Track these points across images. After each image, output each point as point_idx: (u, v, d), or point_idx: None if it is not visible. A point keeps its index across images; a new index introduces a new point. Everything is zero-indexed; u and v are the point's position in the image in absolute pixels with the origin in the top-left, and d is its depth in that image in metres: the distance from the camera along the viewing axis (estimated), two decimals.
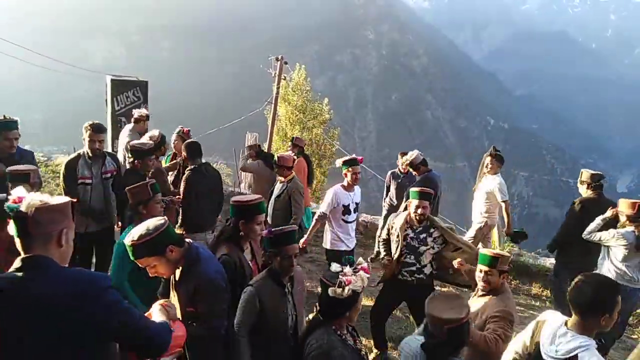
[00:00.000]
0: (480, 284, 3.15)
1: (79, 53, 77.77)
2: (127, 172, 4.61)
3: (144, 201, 3.37)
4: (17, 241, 1.65)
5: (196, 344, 2.47)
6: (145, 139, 5.05)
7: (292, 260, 2.76)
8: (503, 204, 5.79)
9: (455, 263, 3.75)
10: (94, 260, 4.63)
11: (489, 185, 5.91)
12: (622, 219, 4.67)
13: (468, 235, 6.12)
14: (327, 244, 5.02)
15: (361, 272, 2.37)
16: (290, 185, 5.19)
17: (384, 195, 7.17)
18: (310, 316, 2.52)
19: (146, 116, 6.39)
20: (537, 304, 6.20)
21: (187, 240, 2.53)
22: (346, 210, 4.88)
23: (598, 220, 4.76)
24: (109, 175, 4.47)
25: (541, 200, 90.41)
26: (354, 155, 5.06)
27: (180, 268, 2.47)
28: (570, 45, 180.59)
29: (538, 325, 2.44)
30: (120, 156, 5.90)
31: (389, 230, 4.39)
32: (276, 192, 5.32)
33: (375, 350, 4.40)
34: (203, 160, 5.04)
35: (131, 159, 4.51)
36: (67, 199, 1.75)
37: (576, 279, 2.24)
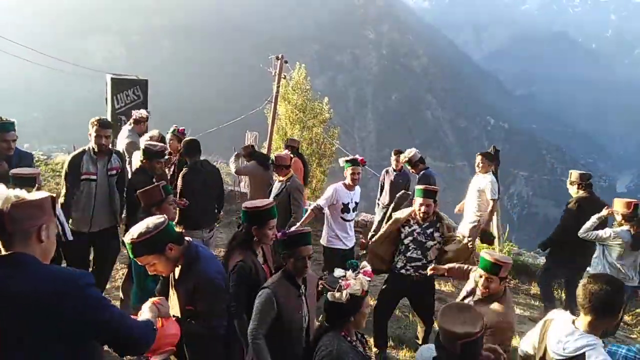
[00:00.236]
0: (479, 290, 3.06)
1: (79, 53, 77.64)
2: (136, 171, 4.57)
3: (157, 203, 3.38)
4: None
5: (195, 342, 2.47)
6: (144, 140, 5.05)
7: (306, 262, 2.75)
8: (491, 202, 5.93)
9: (429, 271, 3.89)
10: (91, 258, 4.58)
11: (480, 184, 6.04)
12: (618, 218, 4.79)
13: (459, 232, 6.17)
14: (323, 240, 5.05)
15: (361, 276, 2.33)
16: (289, 184, 5.19)
17: (378, 195, 7.23)
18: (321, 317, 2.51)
19: (146, 117, 6.40)
20: (537, 303, 6.20)
21: (186, 238, 2.52)
22: (345, 208, 4.89)
23: (594, 219, 4.86)
24: (114, 172, 4.41)
25: (541, 200, 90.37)
26: (357, 156, 5.06)
27: (180, 266, 2.46)
28: (570, 46, 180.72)
29: (546, 324, 2.43)
30: None
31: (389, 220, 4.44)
32: (275, 191, 5.32)
33: (375, 349, 4.40)
34: (202, 158, 5.04)
35: (142, 159, 4.47)
36: (46, 194, 1.72)
37: (585, 280, 2.23)
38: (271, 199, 5.31)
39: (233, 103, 65.47)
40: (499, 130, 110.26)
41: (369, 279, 2.36)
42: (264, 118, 15.58)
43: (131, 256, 2.36)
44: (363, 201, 8.84)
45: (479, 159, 6.12)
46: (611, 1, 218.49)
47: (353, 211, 5.01)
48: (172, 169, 5.77)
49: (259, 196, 6.25)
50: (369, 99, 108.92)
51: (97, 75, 12.72)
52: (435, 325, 4.11)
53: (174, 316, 2.47)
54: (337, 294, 2.27)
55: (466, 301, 3.19)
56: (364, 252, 7.10)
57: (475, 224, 6.10)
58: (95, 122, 4.22)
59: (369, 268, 2.41)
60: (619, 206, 4.78)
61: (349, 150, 18.86)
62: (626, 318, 5.86)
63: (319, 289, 2.90)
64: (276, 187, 5.35)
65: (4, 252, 1.62)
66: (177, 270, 2.47)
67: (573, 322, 2.27)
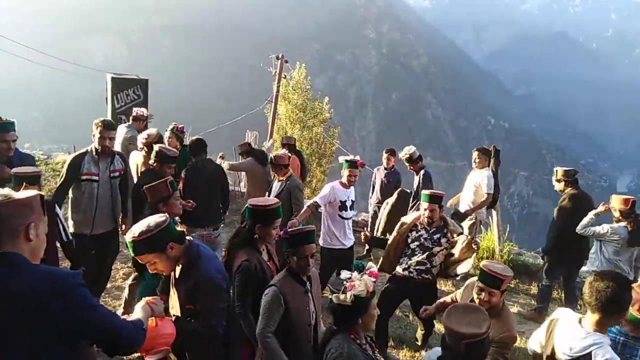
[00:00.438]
0: (477, 302, 2.90)
1: (79, 52, 77.58)
2: (145, 172, 4.53)
3: (164, 198, 3.38)
4: None
5: (195, 342, 2.47)
6: (141, 138, 5.04)
7: (309, 260, 2.75)
8: (485, 196, 6.02)
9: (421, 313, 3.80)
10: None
11: (477, 179, 6.12)
12: (616, 214, 4.86)
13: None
14: (321, 240, 5.01)
15: (365, 277, 2.31)
16: (289, 183, 5.19)
17: (370, 193, 7.27)
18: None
19: (145, 116, 6.39)
20: (536, 303, 6.19)
21: (188, 237, 2.52)
22: (343, 206, 4.92)
23: (591, 215, 4.95)
24: (117, 174, 4.38)
25: (541, 200, 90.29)
26: (357, 158, 5.08)
27: (181, 265, 2.46)
28: (570, 45, 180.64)
29: (552, 323, 2.41)
30: None
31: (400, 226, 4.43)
32: (275, 190, 5.30)
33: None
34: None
35: (153, 161, 4.41)
36: (34, 192, 1.72)
37: (592, 278, 2.20)
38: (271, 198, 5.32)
39: (233, 103, 65.43)
40: (499, 130, 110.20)
41: (374, 279, 2.33)
42: (264, 118, 15.57)
43: (132, 254, 2.36)
44: (363, 201, 8.86)
45: (475, 154, 6.24)
46: (611, 1, 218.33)
47: (351, 209, 5.04)
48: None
49: (257, 193, 6.25)
50: (369, 98, 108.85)
51: (98, 75, 12.71)
52: (436, 327, 4.12)
53: (174, 315, 2.48)
54: (342, 296, 2.25)
55: None
56: (367, 248, 7.18)
57: (473, 220, 6.15)
58: (100, 123, 4.19)
59: (375, 269, 2.39)
60: (616, 202, 4.86)
61: (349, 149, 18.87)
62: None
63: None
64: (276, 186, 5.34)
65: None
66: (178, 269, 2.47)
67: (579, 321, 2.25)
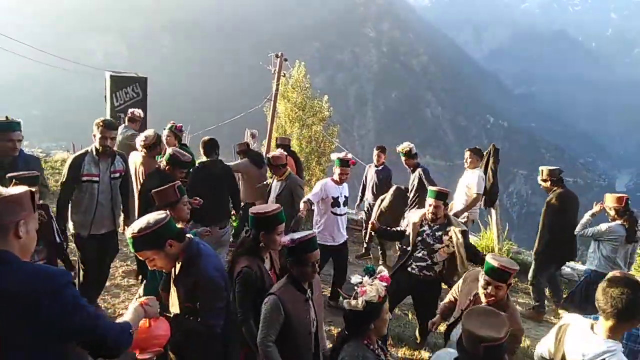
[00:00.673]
0: (484, 299, 2.87)
1: (79, 51, 77.47)
2: (153, 174, 4.47)
3: (172, 203, 3.37)
4: None
5: (194, 340, 2.48)
6: (140, 138, 5.03)
7: (316, 267, 2.72)
8: (475, 195, 6.04)
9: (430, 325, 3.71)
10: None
11: (468, 179, 6.17)
12: (611, 213, 4.91)
13: None
14: None
15: (377, 282, 2.27)
16: (289, 182, 5.19)
17: (359, 192, 7.31)
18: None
19: (141, 117, 6.46)
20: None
21: (188, 235, 2.52)
22: (335, 202, 4.95)
23: (587, 216, 5.04)
24: (117, 175, 4.34)
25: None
26: (349, 156, 5.10)
27: (180, 263, 2.46)
28: (570, 45, 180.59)
29: (562, 329, 2.34)
30: None
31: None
32: (276, 190, 5.28)
33: None
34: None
35: (166, 165, 4.38)
36: (24, 189, 1.71)
37: (605, 284, 2.12)
38: (272, 198, 5.30)
39: (232, 101, 65.33)
40: (499, 129, 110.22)
41: (385, 284, 2.30)
42: (263, 116, 15.56)
43: (132, 250, 2.37)
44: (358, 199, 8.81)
45: (467, 154, 6.29)
46: (611, 0, 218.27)
47: (344, 205, 5.07)
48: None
49: (252, 194, 6.24)
50: (369, 97, 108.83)
51: (97, 74, 12.67)
52: (438, 309, 4.11)
53: (173, 314, 2.48)
54: (353, 302, 2.22)
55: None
56: (365, 246, 7.17)
57: (465, 219, 6.17)
58: (101, 123, 4.14)
59: (385, 273, 2.36)
60: (610, 201, 4.93)
61: (348, 148, 18.83)
62: None
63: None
64: (276, 186, 5.31)
65: None
66: (178, 266, 2.48)
67: (592, 328, 2.19)
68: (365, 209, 7.31)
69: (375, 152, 7.08)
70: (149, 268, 2.50)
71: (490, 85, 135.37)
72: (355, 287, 2.26)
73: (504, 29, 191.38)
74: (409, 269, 4.25)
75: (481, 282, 2.89)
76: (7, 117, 4.12)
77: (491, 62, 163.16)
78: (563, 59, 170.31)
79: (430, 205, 4.20)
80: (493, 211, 7.20)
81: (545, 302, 5.89)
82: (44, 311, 1.56)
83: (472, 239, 7.08)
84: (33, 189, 3.26)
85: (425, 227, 4.24)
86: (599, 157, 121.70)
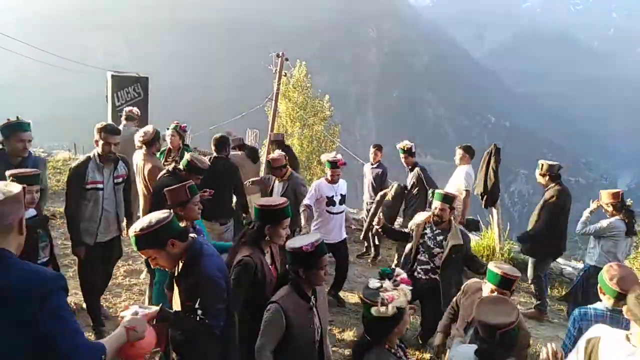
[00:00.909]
0: None
1: (80, 50, 77.63)
2: (168, 176, 4.33)
3: (183, 202, 3.38)
4: None
5: (193, 340, 2.49)
6: (139, 135, 5.04)
7: (327, 270, 2.68)
8: (464, 192, 6.01)
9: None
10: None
11: (458, 176, 6.17)
12: (609, 209, 4.97)
13: None
14: None
15: (402, 286, 2.21)
16: (291, 182, 5.18)
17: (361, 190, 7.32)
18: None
19: (138, 115, 6.52)
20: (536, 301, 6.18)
21: (191, 235, 2.52)
22: (330, 201, 5.00)
23: (586, 213, 5.06)
24: (120, 180, 4.26)
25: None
26: (338, 157, 5.17)
27: (182, 262, 2.47)
28: (571, 44, 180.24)
29: (591, 343, 2.24)
30: None
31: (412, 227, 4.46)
32: (278, 191, 5.24)
33: None
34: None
35: (183, 169, 4.30)
36: (20, 186, 1.70)
37: (637, 293, 2.04)
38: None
39: (234, 101, 65.38)
40: (500, 128, 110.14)
41: (410, 287, 2.24)
42: (264, 116, 15.58)
43: (135, 248, 2.39)
44: (362, 199, 8.81)
45: (458, 151, 6.28)
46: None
47: (340, 204, 5.09)
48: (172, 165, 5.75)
49: (246, 188, 6.25)
50: (370, 96, 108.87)
51: (98, 73, 12.70)
52: (438, 327, 4.10)
53: (174, 311, 2.48)
54: (382, 309, 2.11)
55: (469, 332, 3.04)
56: (366, 245, 7.17)
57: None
58: (103, 129, 4.02)
59: (404, 275, 2.30)
60: (606, 197, 4.97)
61: (349, 148, 18.86)
62: None
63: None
64: (278, 187, 5.28)
65: None
66: (180, 265, 2.49)
67: (627, 339, 2.09)
68: (364, 207, 7.30)
69: (372, 150, 7.07)
70: (152, 267, 2.52)
71: (492, 84, 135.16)
72: (380, 292, 2.15)
73: (506, 29, 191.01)
74: (415, 273, 4.24)
75: (486, 292, 2.95)
76: (18, 117, 4.04)
77: (493, 61, 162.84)
78: (565, 58, 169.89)
79: (436, 207, 4.19)
80: (494, 211, 7.19)
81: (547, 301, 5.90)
82: (28, 312, 1.54)
83: (473, 238, 7.07)
84: (34, 188, 3.32)
85: (428, 230, 4.23)
86: (601, 157, 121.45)
